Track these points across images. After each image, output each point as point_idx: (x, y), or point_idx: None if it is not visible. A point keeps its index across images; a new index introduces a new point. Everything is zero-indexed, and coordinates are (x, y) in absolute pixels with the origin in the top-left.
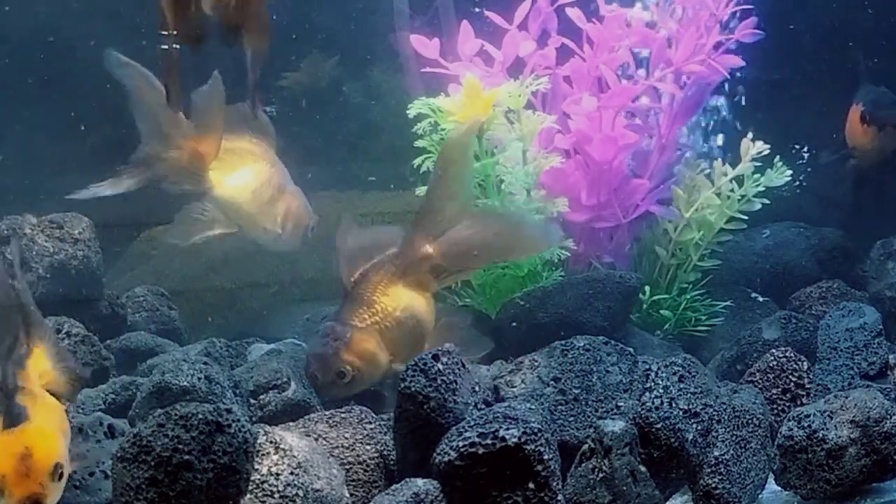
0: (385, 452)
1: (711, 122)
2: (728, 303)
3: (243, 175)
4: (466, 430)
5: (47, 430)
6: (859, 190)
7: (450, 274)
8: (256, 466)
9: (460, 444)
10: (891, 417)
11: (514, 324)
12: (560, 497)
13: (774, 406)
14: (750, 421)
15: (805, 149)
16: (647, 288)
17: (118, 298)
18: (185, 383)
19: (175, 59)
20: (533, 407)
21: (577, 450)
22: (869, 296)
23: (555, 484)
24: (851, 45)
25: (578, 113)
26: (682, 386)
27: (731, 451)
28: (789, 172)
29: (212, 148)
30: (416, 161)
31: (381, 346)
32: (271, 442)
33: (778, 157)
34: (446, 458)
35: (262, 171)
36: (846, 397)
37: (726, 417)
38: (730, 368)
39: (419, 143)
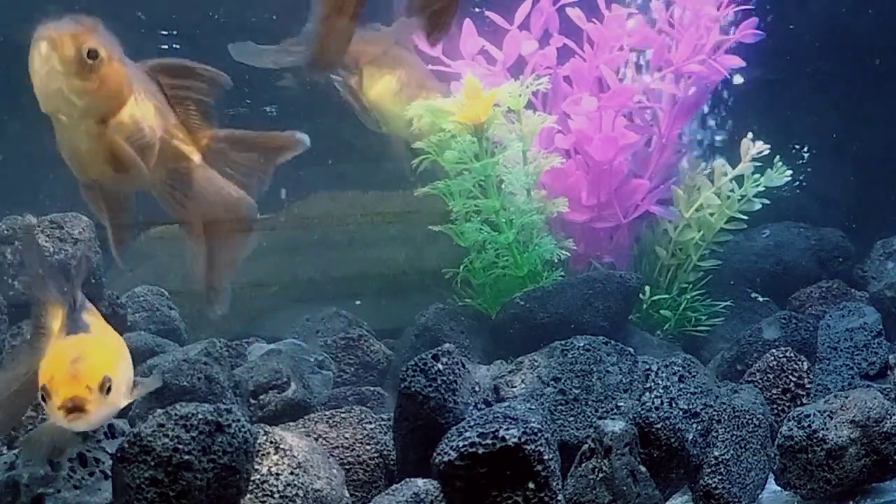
0: (385, 452)
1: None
2: (728, 303)
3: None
4: (466, 430)
5: (106, 344)
6: None
7: None
8: (256, 466)
9: (460, 444)
10: (891, 417)
11: (515, 324)
12: (560, 497)
13: (774, 406)
14: (750, 421)
15: (805, 149)
16: (647, 288)
17: (118, 298)
18: (185, 383)
19: None
20: (533, 407)
21: (577, 450)
22: (869, 296)
23: (555, 484)
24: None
25: (578, 113)
26: (682, 386)
27: (731, 451)
28: (789, 172)
29: (365, 52)
30: (415, 161)
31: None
32: (271, 442)
33: (778, 157)
34: (446, 458)
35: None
36: (846, 397)
37: (726, 417)
38: (730, 368)
39: (418, 144)
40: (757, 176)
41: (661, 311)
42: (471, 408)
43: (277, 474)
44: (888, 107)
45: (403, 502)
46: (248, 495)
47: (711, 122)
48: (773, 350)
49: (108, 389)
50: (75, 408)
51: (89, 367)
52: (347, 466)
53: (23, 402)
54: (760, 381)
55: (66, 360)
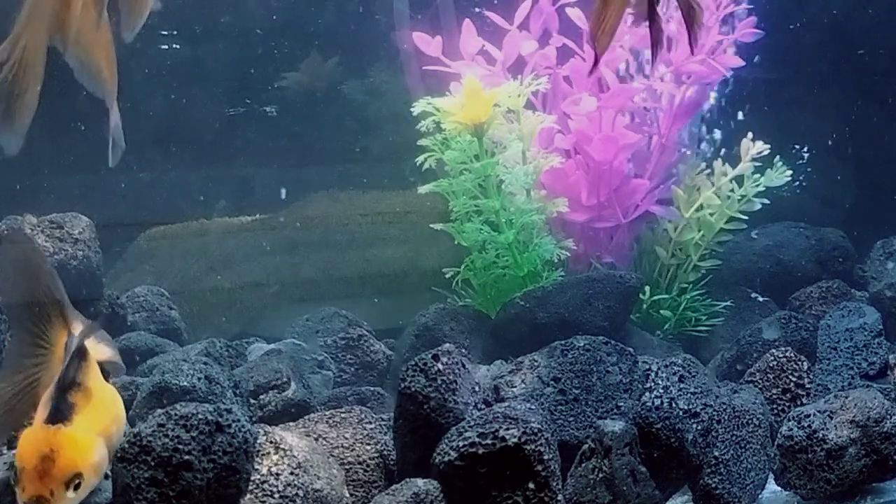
0: (385, 452)
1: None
2: (728, 303)
3: None
4: (466, 430)
5: (81, 437)
6: None
7: None
8: (256, 466)
9: (460, 444)
10: (891, 417)
11: (515, 324)
12: (560, 497)
13: (774, 406)
14: (750, 421)
15: (805, 149)
16: (647, 288)
17: (118, 298)
18: (185, 383)
19: None
20: (533, 407)
21: (577, 450)
22: (869, 296)
23: (555, 484)
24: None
25: (578, 113)
26: (682, 386)
27: (731, 451)
28: (789, 172)
29: None
30: (419, 159)
31: None
32: (271, 442)
33: (778, 157)
34: (446, 458)
35: None
36: (846, 397)
37: (726, 417)
38: (730, 368)
39: (423, 142)
40: (757, 176)
41: (661, 311)
42: (471, 408)
43: (277, 474)
44: (888, 107)
45: (403, 502)
46: (248, 495)
47: (711, 122)
48: (773, 350)
49: (77, 485)
50: None
51: (59, 467)
52: (347, 466)
53: (24, 406)
54: (760, 381)
55: (38, 453)
